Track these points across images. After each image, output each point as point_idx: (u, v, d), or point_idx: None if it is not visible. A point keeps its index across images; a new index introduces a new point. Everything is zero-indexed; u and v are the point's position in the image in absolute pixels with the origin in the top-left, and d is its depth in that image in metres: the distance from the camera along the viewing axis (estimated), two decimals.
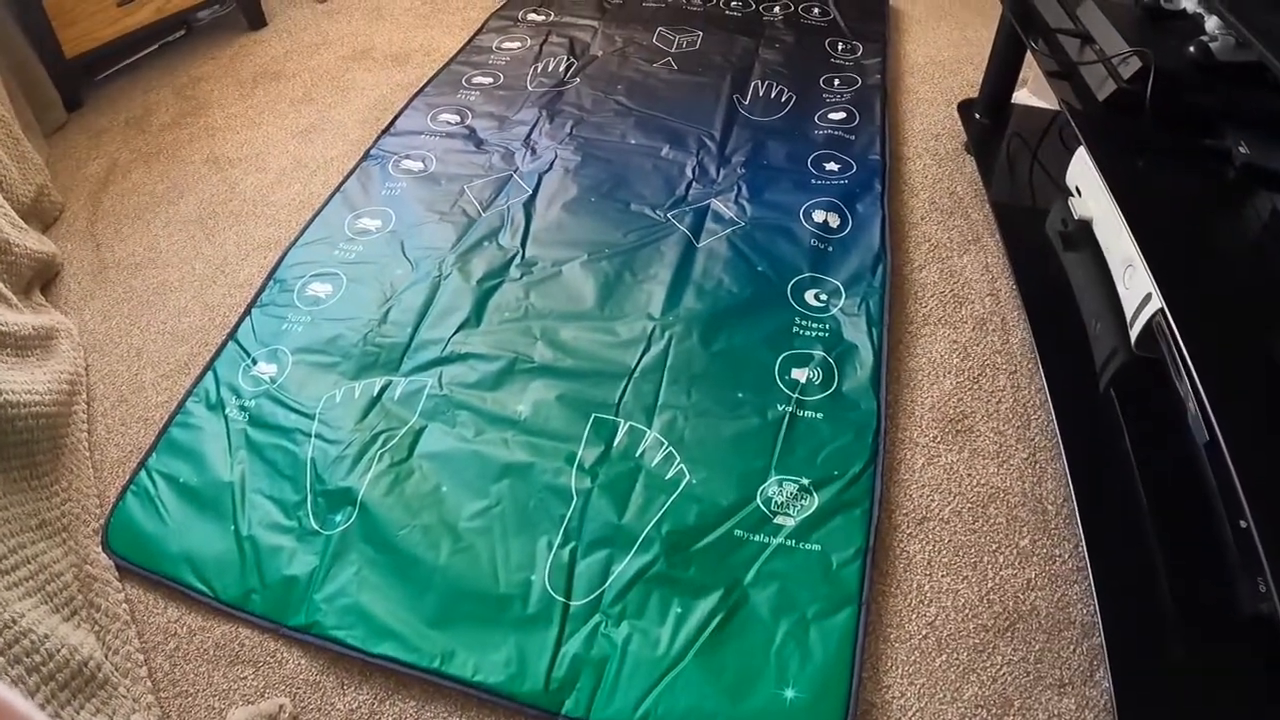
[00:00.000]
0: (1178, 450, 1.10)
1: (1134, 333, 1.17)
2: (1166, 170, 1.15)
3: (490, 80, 1.84)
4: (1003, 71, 1.56)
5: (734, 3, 2.16)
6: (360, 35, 2.15)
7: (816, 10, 2.11)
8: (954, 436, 1.18)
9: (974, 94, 1.79)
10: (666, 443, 1.13)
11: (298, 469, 1.10)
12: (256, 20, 2.16)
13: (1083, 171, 1.35)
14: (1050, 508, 1.11)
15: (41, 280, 1.43)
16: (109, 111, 1.88)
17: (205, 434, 1.15)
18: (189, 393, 1.21)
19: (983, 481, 1.14)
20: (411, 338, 1.26)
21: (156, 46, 2.02)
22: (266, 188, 1.63)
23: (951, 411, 1.21)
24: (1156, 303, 1.10)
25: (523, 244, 1.39)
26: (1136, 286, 1.17)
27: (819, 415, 1.15)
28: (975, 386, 1.24)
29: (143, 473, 1.11)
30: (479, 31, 2.06)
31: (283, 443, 1.13)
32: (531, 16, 2.12)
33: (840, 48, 1.93)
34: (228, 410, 1.18)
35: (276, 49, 2.10)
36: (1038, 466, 1.15)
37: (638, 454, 1.12)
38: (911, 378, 1.24)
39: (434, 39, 2.13)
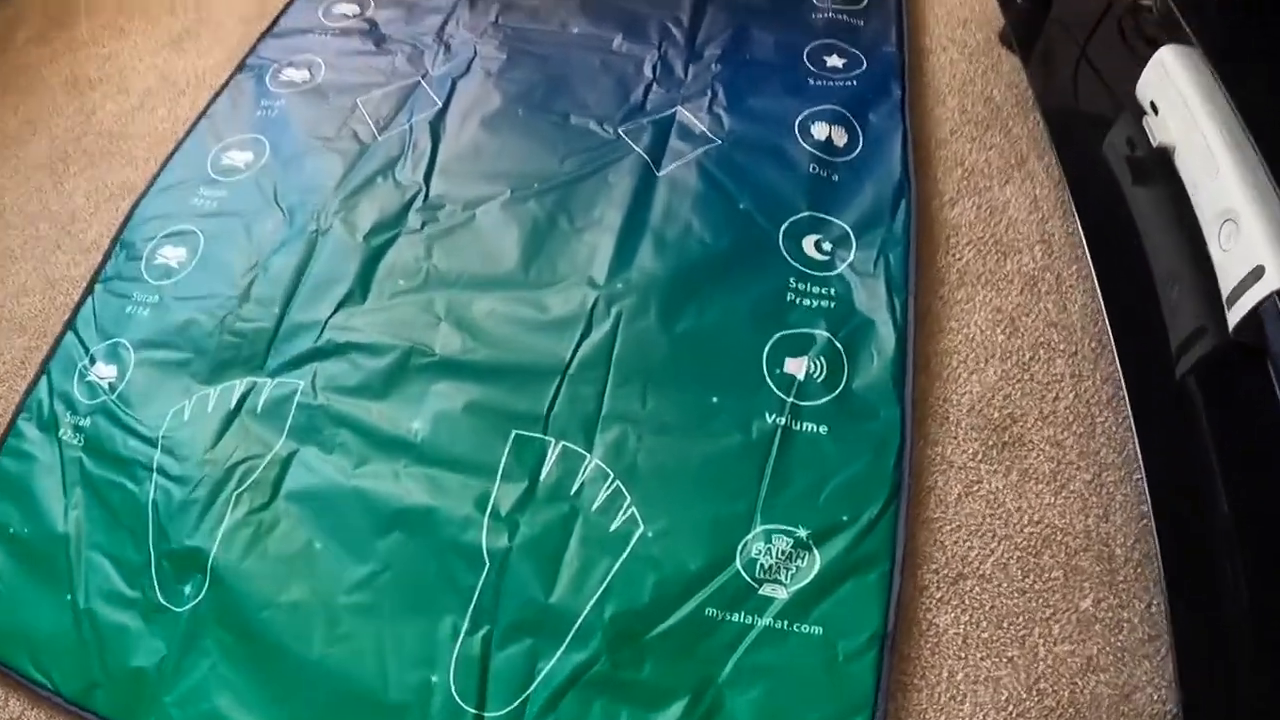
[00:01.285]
0: None
1: (1233, 315, 0.73)
2: None
3: None
4: None
5: None
6: None
7: None
8: (999, 451, 0.76)
9: None
10: (612, 474, 0.71)
11: (139, 517, 0.73)
12: None
13: (1163, 82, 0.86)
14: (1119, 551, 0.74)
15: None
16: None
17: (38, 465, 0.78)
18: (19, 406, 0.82)
19: (1036, 518, 0.73)
20: (280, 321, 0.83)
21: None
22: (126, 116, 1.16)
23: (996, 415, 0.78)
24: (1275, 282, 0.64)
25: (426, 179, 0.91)
26: (1242, 252, 0.74)
27: (822, 429, 0.73)
28: (1025, 376, 0.81)
29: None
30: None
31: (122, 480, 0.75)
32: None
33: None
34: (61, 431, 0.79)
35: None
36: (1104, 493, 0.76)
37: (573, 491, 0.71)
38: (944, 365, 0.81)
39: None
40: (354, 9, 1.16)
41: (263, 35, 1.15)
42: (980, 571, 0.72)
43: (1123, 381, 0.78)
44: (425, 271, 0.83)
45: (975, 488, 0.75)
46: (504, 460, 0.72)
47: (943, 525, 0.74)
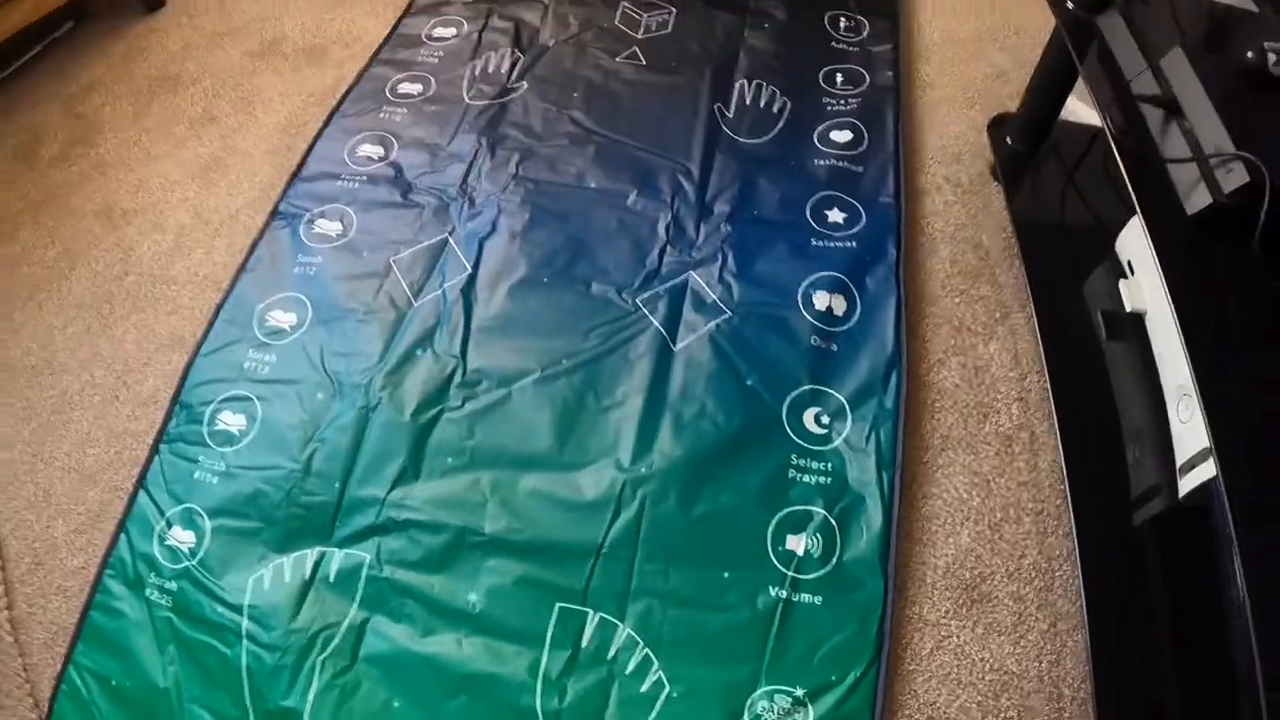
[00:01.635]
0: (1220, 624, 0.88)
1: (1184, 485, 0.91)
2: (1267, 324, 0.83)
3: (419, 89, 1.42)
4: (1047, 97, 1.17)
5: None
6: (269, 18, 1.68)
7: None
8: (968, 609, 0.96)
9: (1001, 88, 1.39)
10: (642, 642, 0.91)
11: (233, 678, 0.91)
12: (152, 1, 1.68)
13: (1139, 245, 1.02)
14: (1067, 692, 0.93)
15: None
16: None
17: (129, 622, 0.95)
18: (104, 564, 0.99)
19: (996, 665, 0.93)
20: (341, 495, 1.01)
21: (40, 48, 1.58)
22: (165, 255, 1.31)
23: (968, 575, 0.98)
24: (1216, 471, 0.84)
25: (463, 351, 1.08)
26: (1196, 428, 0.90)
27: (817, 599, 0.93)
28: (996, 537, 1.00)
29: (71, 669, 0.92)
30: (406, 12, 1.58)
31: (213, 643, 0.93)
32: None
33: (843, 25, 1.49)
34: (148, 591, 0.96)
35: (175, 41, 1.65)
36: (1057, 640, 0.95)
37: (609, 656, 0.90)
38: (924, 530, 1.00)
39: (354, 22, 1.66)
40: (379, 151, 1.32)
41: (292, 179, 1.31)
42: (946, 715, 0.92)
43: (1076, 541, 0.98)
44: (470, 451, 1.01)
45: (945, 642, 0.95)
46: (551, 630, 0.91)
47: (916, 676, 0.94)
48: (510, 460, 1.01)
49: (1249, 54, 0.90)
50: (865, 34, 1.47)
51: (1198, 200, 0.86)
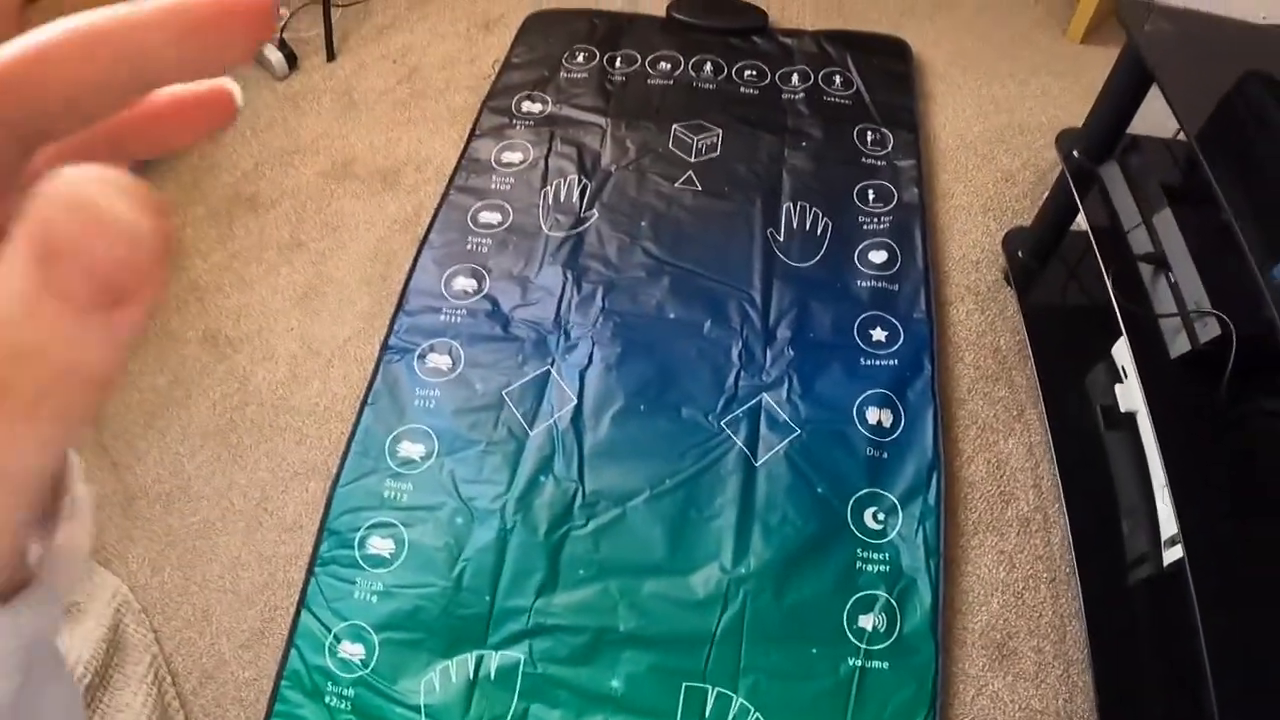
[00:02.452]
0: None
1: (1167, 556, 1.41)
2: (1234, 463, 1.33)
3: (499, 219, 1.81)
4: (1055, 224, 1.65)
5: (748, 74, 2.08)
6: (335, 137, 2.04)
7: (838, 80, 2.04)
8: (999, 662, 1.44)
9: (1010, 190, 1.87)
10: (753, 709, 1.36)
11: None
12: None
13: (1129, 353, 1.52)
14: None
15: None
16: None
17: None
18: (279, 676, 1.35)
19: (1023, 705, 1.41)
20: (491, 606, 1.40)
21: None
22: (281, 385, 1.65)
23: (998, 636, 1.46)
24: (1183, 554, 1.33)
25: (580, 475, 1.52)
26: (1171, 513, 1.40)
27: (885, 665, 1.39)
28: (1019, 603, 1.48)
29: None
30: (472, 135, 1.97)
31: None
32: (527, 107, 2.02)
33: (870, 139, 1.91)
34: (328, 699, 1.33)
35: (244, 158, 1.99)
36: (1070, 682, 1.42)
37: None
38: (962, 601, 1.48)
39: (421, 142, 2.04)
40: (473, 284, 1.70)
41: (396, 310, 1.67)
42: None
43: (1081, 601, 1.49)
44: (598, 563, 1.44)
45: (983, 690, 1.44)
46: (680, 705, 1.33)
47: (961, 716, 1.45)
48: (633, 569, 1.43)
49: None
50: (890, 147, 1.88)
51: (1179, 346, 1.36)
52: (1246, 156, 1.32)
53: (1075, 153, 1.57)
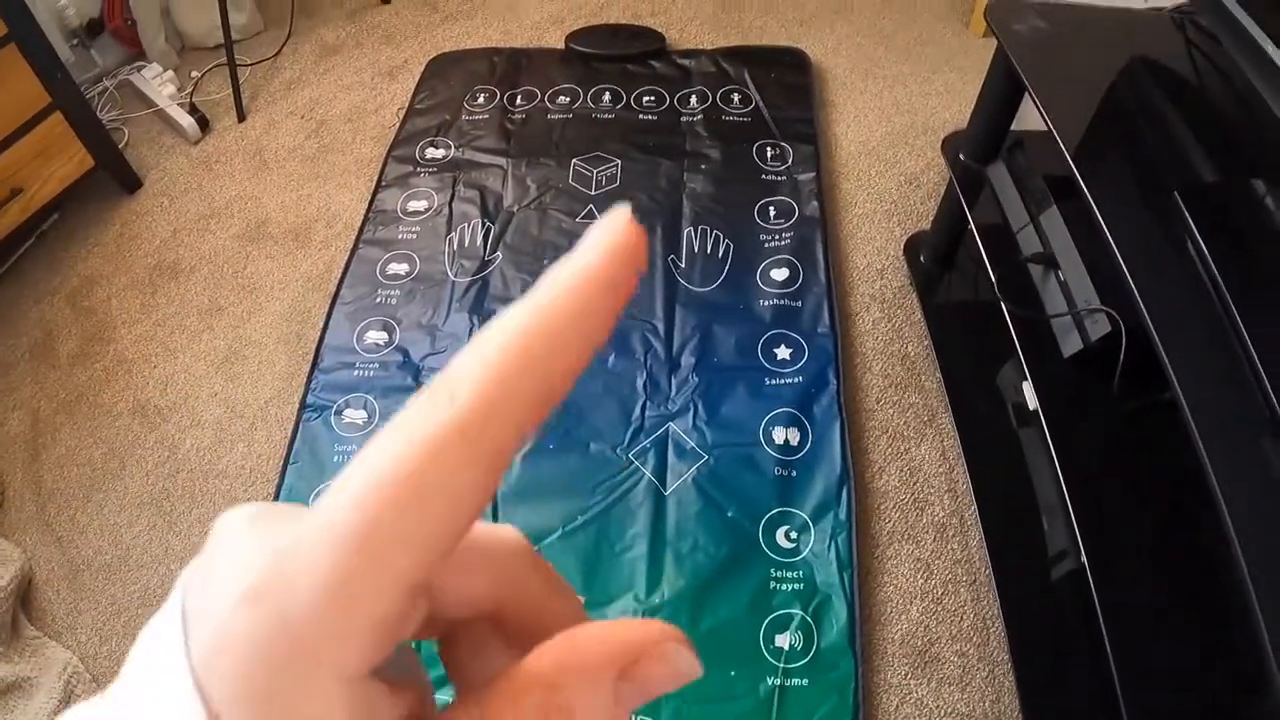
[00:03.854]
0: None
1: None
2: (1129, 457, 1.37)
3: (407, 268, 1.94)
4: (952, 227, 1.70)
5: (647, 99, 2.23)
6: (249, 198, 2.20)
7: (737, 97, 2.21)
8: (922, 669, 1.50)
9: (914, 194, 1.93)
10: None
11: None
12: (130, 182, 2.19)
13: None
14: None
15: (19, 598, 1.60)
16: (6, 335, 1.97)
17: None
18: None
19: (949, 710, 1.48)
20: (418, 651, 1.50)
21: (34, 240, 2.06)
22: (208, 450, 1.79)
23: (919, 643, 1.52)
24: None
25: (494, 517, 1.60)
26: None
27: (804, 681, 1.47)
28: (939, 609, 1.54)
29: None
30: (379, 186, 2.11)
31: None
32: (431, 153, 2.18)
33: (770, 155, 2.06)
34: None
35: (162, 225, 2.16)
36: (996, 683, 1.50)
37: None
38: (881, 612, 1.54)
39: (331, 197, 2.18)
40: (384, 337, 1.83)
41: (312, 369, 1.80)
42: None
43: (999, 603, 1.53)
44: None
45: (908, 698, 1.50)
46: None
47: None
48: None
49: None
50: (790, 161, 2.04)
51: (1071, 345, 1.40)
52: (1119, 153, 1.35)
53: (961, 156, 1.60)
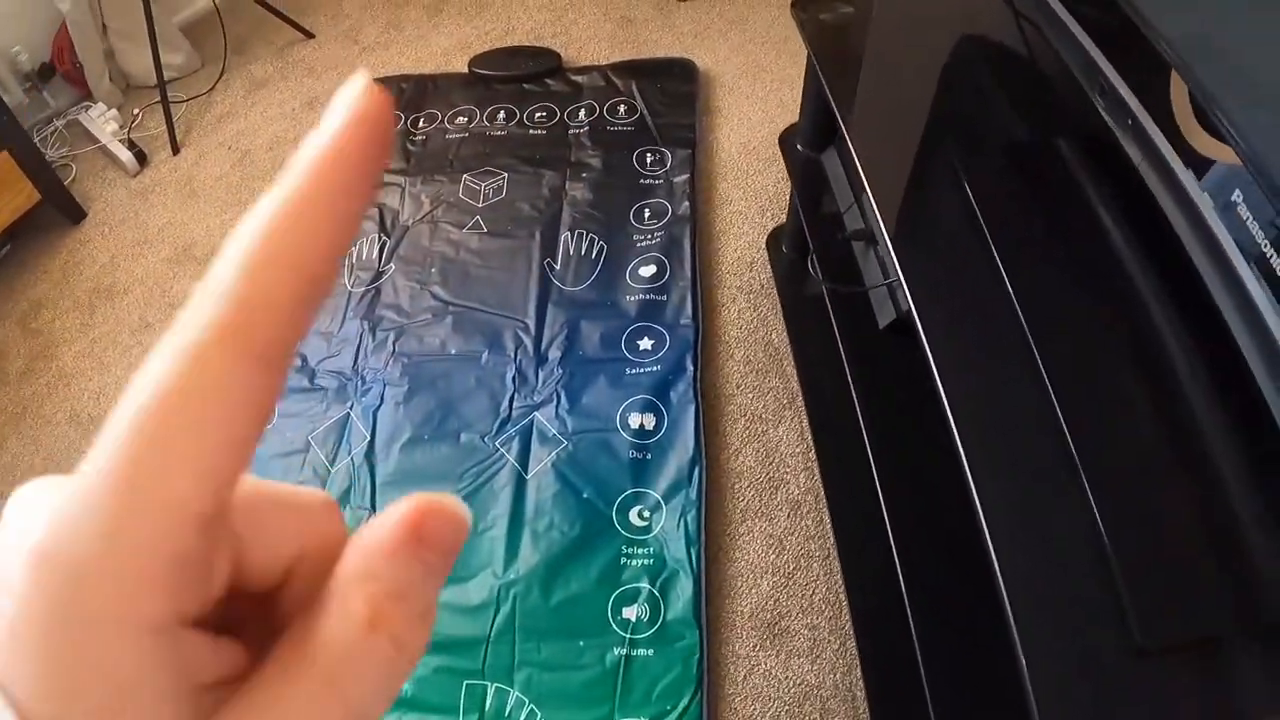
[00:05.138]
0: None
1: None
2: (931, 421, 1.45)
3: None
4: (800, 220, 1.79)
5: (539, 115, 2.38)
6: (178, 225, 2.39)
7: (623, 109, 2.36)
8: (771, 641, 1.58)
9: (789, 190, 2.00)
10: (527, 700, 1.54)
11: None
12: (74, 213, 2.40)
13: None
14: (859, 694, 1.53)
15: None
16: None
17: None
18: None
19: (799, 681, 1.55)
20: None
21: None
22: None
23: (769, 616, 1.60)
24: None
25: (372, 504, 1.74)
26: None
27: (650, 652, 1.56)
28: (789, 584, 1.62)
29: None
30: None
31: None
32: None
33: (649, 160, 2.19)
34: None
35: (102, 252, 2.36)
36: (847, 655, 1.56)
37: (506, 714, 1.53)
38: (730, 586, 1.62)
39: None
40: None
41: None
42: None
43: (842, 578, 1.59)
44: None
45: (756, 669, 1.57)
46: (462, 701, 1.55)
47: (735, 697, 1.56)
48: None
49: None
50: (669, 165, 2.17)
51: (886, 315, 1.48)
52: (907, 133, 1.42)
53: (799, 146, 1.69)
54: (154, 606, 0.17)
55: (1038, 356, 0.99)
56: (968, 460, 0.94)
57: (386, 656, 0.19)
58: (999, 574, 0.86)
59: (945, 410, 0.99)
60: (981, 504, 0.91)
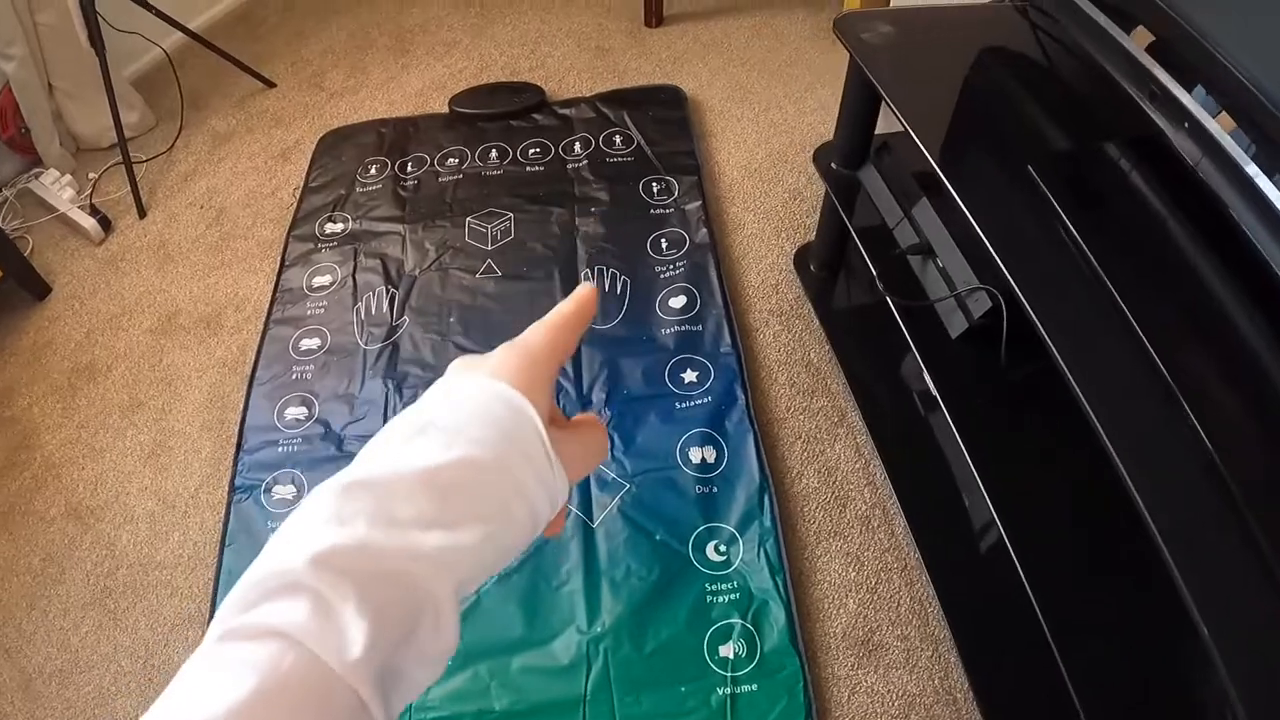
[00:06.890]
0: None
1: None
2: (1024, 422, 1.45)
3: (319, 342, 2.04)
4: (834, 232, 1.79)
5: (533, 152, 2.36)
6: (157, 292, 2.27)
7: (619, 139, 2.37)
8: (867, 658, 1.58)
9: (800, 208, 2.03)
10: None
11: None
12: (38, 289, 2.24)
13: None
14: (959, 696, 1.55)
15: None
16: None
17: None
18: None
19: (900, 693, 1.55)
20: None
21: None
22: (145, 544, 1.84)
23: (860, 633, 1.59)
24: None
25: None
26: None
27: (754, 687, 1.55)
28: (874, 598, 1.62)
29: None
30: (283, 265, 2.19)
31: None
32: (330, 228, 2.28)
33: (656, 189, 2.20)
34: None
35: (75, 328, 2.21)
36: (941, 660, 1.58)
37: None
38: (818, 609, 1.61)
39: (238, 282, 2.26)
40: (304, 411, 1.92)
41: (237, 453, 1.86)
42: None
43: (930, 583, 1.59)
44: (463, 650, 1.58)
45: (858, 687, 1.56)
46: None
47: (840, 717, 1.54)
48: (497, 649, 1.61)
49: None
50: (676, 193, 2.20)
51: (957, 325, 1.49)
52: (972, 138, 1.44)
53: (833, 164, 1.69)
54: (551, 379, 0.45)
55: (1163, 369, 1.01)
56: (1127, 473, 0.95)
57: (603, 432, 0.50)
58: (1185, 592, 0.87)
59: (1093, 424, 1.00)
60: (1156, 526, 0.92)
